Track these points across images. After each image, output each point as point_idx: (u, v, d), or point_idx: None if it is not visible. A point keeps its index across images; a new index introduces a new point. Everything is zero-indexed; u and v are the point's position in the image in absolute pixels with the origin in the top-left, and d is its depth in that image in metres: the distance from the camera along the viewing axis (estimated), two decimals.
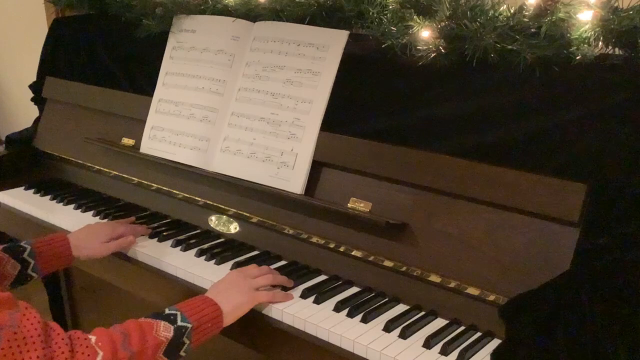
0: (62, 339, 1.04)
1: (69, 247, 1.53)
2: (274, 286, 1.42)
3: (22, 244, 1.47)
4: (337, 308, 1.36)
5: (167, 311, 1.23)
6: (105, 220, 1.80)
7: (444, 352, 1.22)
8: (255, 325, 1.38)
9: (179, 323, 1.21)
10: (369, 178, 1.48)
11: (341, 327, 1.29)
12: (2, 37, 3.17)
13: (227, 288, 1.35)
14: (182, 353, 1.21)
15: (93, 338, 1.09)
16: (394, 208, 1.43)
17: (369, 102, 1.59)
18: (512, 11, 1.31)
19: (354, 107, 1.60)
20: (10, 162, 2.18)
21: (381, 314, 1.35)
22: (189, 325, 1.21)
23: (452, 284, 1.33)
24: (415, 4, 1.41)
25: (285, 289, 1.43)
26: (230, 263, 1.55)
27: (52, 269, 1.52)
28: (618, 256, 1.15)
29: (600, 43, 1.22)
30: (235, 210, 1.70)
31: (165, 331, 1.18)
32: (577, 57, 1.23)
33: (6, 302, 1.02)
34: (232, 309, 1.31)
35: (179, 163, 1.78)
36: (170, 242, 1.66)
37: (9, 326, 0.98)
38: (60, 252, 1.52)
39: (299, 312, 1.34)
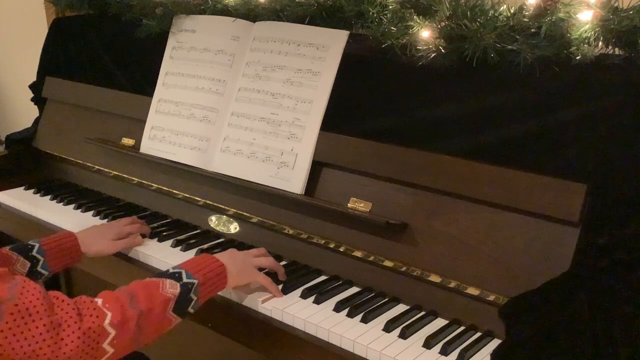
0: (68, 304, 1.04)
1: (77, 243, 1.53)
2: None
3: (30, 242, 1.47)
4: (337, 308, 1.36)
5: (170, 270, 1.25)
6: (105, 221, 1.80)
7: (444, 352, 1.22)
8: (255, 325, 1.38)
9: (185, 280, 1.22)
10: (369, 178, 1.48)
11: (341, 327, 1.29)
12: (2, 37, 3.17)
13: (229, 256, 1.39)
14: (190, 309, 1.22)
15: (99, 300, 1.10)
16: (394, 208, 1.43)
17: (369, 102, 1.59)
18: (512, 11, 1.31)
19: (354, 107, 1.60)
20: (10, 162, 2.18)
21: (381, 314, 1.35)
22: (195, 282, 1.23)
23: (452, 284, 1.33)
24: (415, 4, 1.41)
25: (276, 281, 1.44)
26: None
27: (61, 266, 1.51)
28: (618, 256, 1.15)
29: (600, 43, 1.22)
30: (235, 210, 1.70)
31: (172, 288, 1.19)
32: (577, 57, 1.23)
33: (3, 276, 1.00)
34: (237, 271, 1.35)
35: (179, 163, 1.78)
36: (170, 242, 1.66)
37: (9, 299, 0.97)
38: (68, 248, 1.51)
39: (299, 312, 1.34)
